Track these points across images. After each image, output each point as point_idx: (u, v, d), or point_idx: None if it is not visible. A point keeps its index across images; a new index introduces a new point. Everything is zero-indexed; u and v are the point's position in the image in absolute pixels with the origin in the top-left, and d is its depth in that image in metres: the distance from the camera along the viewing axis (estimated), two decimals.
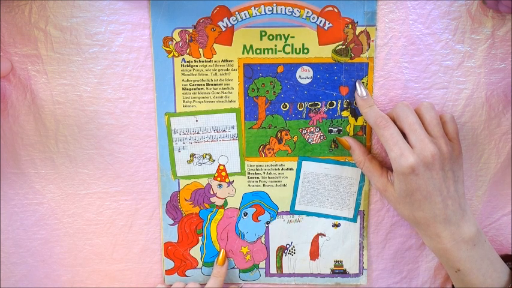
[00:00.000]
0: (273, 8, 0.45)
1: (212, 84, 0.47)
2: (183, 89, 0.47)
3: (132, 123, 0.48)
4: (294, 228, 0.51)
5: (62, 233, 0.51)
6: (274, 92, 0.48)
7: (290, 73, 0.47)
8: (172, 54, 0.47)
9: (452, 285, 0.47)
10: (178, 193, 0.50)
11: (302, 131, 0.48)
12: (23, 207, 0.50)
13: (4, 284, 0.52)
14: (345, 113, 0.48)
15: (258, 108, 0.48)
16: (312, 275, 0.52)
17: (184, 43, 0.46)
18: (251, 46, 0.46)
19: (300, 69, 0.47)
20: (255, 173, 0.50)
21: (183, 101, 0.48)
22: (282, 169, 0.49)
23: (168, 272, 0.52)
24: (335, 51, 0.46)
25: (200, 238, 0.51)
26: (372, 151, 0.49)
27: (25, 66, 0.47)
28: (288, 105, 0.48)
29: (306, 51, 0.46)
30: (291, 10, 0.45)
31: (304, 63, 0.47)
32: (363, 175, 0.49)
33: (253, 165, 0.49)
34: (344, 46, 0.46)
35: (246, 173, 0.50)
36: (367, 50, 0.46)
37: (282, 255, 0.52)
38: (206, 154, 0.49)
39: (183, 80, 0.47)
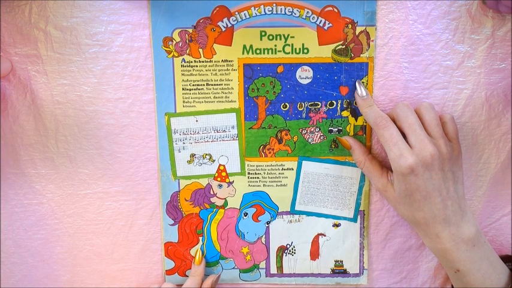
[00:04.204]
0: (272, 8, 0.45)
1: (212, 85, 0.47)
2: (183, 89, 0.47)
3: (132, 123, 0.48)
4: (294, 228, 0.51)
5: (62, 233, 0.51)
6: (274, 92, 0.48)
7: (290, 73, 0.47)
8: (172, 54, 0.47)
9: (452, 286, 0.47)
10: (178, 193, 0.50)
11: (302, 131, 0.48)
12: (23, 207, 0.50)
13: (4, 284, 0.52)
14: (345, 113, 0.48)
15: (258, 108, 0.48)
16: (312, 275, 0.52)
17: (184, 43, 0.46)
18: (251, 46, 0.46)
19: (300, 69, 0.47)
20: (255, 173, 0.50)
21: (183, 101, 0.48)
22: (282, 169, 0.49)
23: (169, 272, 0.52)
24: (335, 51, 0.46)
25: (200, 238, 0.51)
26: (372, 151, 0.49)
27: (25, 66, 0.47)
28: (288, 105, 0.48)
29: (305, 51, 0.46)
30: (291, 10, 0.45)
31: (304, 63, 0.47)
32: (363, 175, 0.49)
33: (253, 165, 0.49)
34: (344, 46, 0.46)
35: (246, 173, 0.50)
36: (367, 50, 0.46)
37: (282, 255, 0.52)
38: (206, 154, 0.49)
39: (183, 80, 0.47)
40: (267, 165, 0.49)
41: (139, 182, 0.50)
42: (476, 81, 0.47)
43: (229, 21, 0.46)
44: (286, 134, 0.49)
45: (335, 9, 0.45)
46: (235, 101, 0.48)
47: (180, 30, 0.46)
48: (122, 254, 0.52)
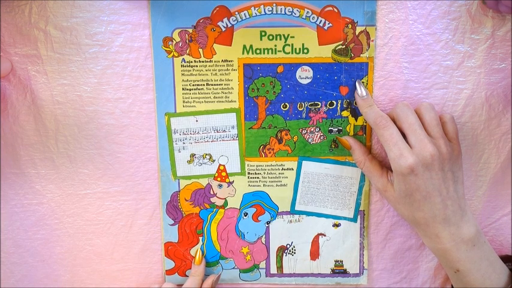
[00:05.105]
0: (272, 8, 0.45)
1: (212, 84, 0.47)
2: (183, 89, 0.47)
3: (132, 123, 0.48)
4: (294, 228, 0.51)
5: (62, 233, 0.51)
6: (274, 92, 0.48)
7: (290, 73, 0.47)
8: (172, 54, 0.47)
9: (452, 286, 0.47)
10: (178, 193, 0.50)
11: (302, 131, 0.48)
12: (23, 207, 0.50)
13: (4, 284, 0.52)
14: (345, 113, 0.48)
15: (258, 108, 0.48)
16: (312, 275, 0.52)
17: (184, 43, 0.46)
18: (251, 46, 0.46)
19: (300, 69, 0.47)
20: (255, 173, 0.50)
21: (183, 101, 0.48)
22: (282, 169, 0.49)
23: (169, 272, 0.52)
24: (335, 51, 0.46)
25: (200, 238, 0.51)
26: (372, 151, 0.49)
27: (25, 66, 0.47)
28: (288, 105, 0.48)
29: (305, 51, 0.46)
30: (291, 10, 0.45)
31: (304, 63, 0.47)
32: (363, 175, 0.49)
33: (253, 165, 0.49)
34: (344, 46, 0.46)
35: (246, 173, 0.50)
36: (367, 50, 0.46)
37: (282, 255, 0.52)
38: (206, 154, 0.49)
39: (183, 80, 0.47)
40: (267, 165, 0.49)
41: (139, 182, 0.50)
42: (476, 81, 0.47)
43: (229, 21, 0.46)
44: (286, 134, 0.49)
45: (335, 9, 0.45)
46: (235, 101, 0.48)
47: (180, 30, 0.46)
48: (122, 254, 0.52)
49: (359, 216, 0.50)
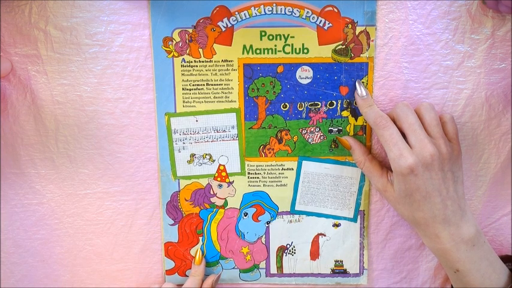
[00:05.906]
0: (272, 8, 0.45)
1: (212, 84, 0.47)
2: (183, 89, 0.48)
3: (132, 123, 0.48)
4: (294, 228, 0.51)
5: (62, 233, 0.51)
6: (274, 92, 0.48)
7: (290, 73, 0.47)
8: (172, 54, 0.47)
9: (452, 286, 0.47)
10: (178, 193, 0.50)
11: (302, 131, 0.48)
12: (23, 207, 0.50)
13: (4, 284, 0.52)
14: (345, 113, 0.48)
15: (258, 108, 0.48)
16: (312, 275, 0.52)
17: (184, 43, 0.46)
18: (251, 46, 0.46)
19: (299, 69, 0.47)
20: (255, 173, 0.50)
21: (183, 101, 0.48)
22: (282, 169, 0.49)
23: (169, 272, 0.52)
24: (335, 51, 0.46)
25: (200, 238, 0.51)
26: (372, 151, 0.49)
27: (25, 66, 0.47)
28: (288, 105, 0.48)
29: (305, 51, 0.46)
30: (291, 10, 0.46)
31: (304, 63, 0.47)
32: (363, 175, 0.49)
33: (253, 165, 0.49)
34: (344, 46, 0.46)
35: (246, 173, 0.50)
36: (367, 50, 0.46)
37: (282, 255, 0.52)
38: (206, 154, 0.49)
39: (183, 80, 0.47)
40: (267, 165, 0.49)
41: (139, 182, 0.50)
42: (476, 81, 0.47)
43: (229, 21, 0.46)
44: (286, 134, 0.49)
45: (335, 9, 0.45)
46: (235, 101, 0.48)
47: (180, 30, 0.46)
48: (121, 254, 0.52)
49: (359, 216, 0.50)
